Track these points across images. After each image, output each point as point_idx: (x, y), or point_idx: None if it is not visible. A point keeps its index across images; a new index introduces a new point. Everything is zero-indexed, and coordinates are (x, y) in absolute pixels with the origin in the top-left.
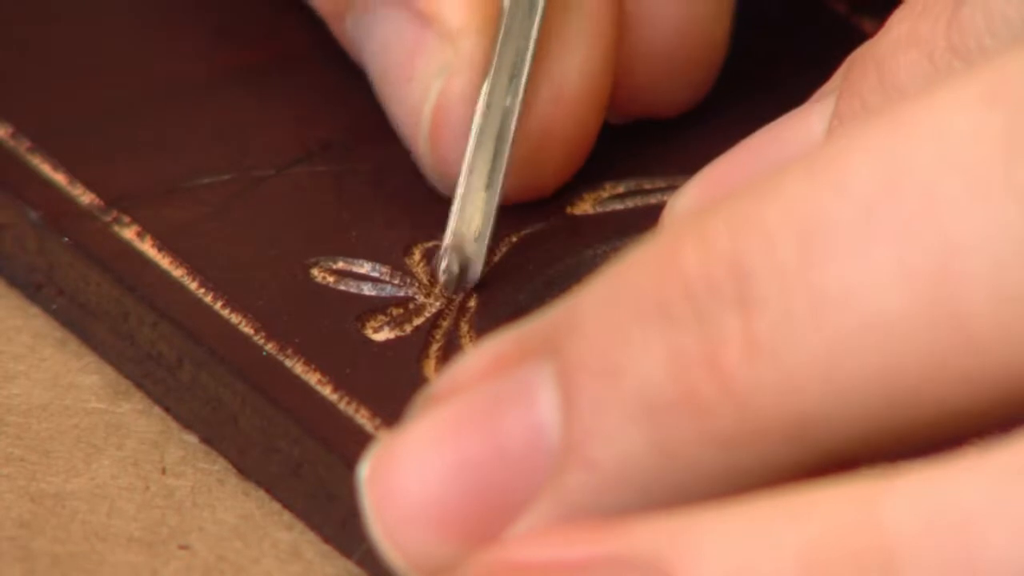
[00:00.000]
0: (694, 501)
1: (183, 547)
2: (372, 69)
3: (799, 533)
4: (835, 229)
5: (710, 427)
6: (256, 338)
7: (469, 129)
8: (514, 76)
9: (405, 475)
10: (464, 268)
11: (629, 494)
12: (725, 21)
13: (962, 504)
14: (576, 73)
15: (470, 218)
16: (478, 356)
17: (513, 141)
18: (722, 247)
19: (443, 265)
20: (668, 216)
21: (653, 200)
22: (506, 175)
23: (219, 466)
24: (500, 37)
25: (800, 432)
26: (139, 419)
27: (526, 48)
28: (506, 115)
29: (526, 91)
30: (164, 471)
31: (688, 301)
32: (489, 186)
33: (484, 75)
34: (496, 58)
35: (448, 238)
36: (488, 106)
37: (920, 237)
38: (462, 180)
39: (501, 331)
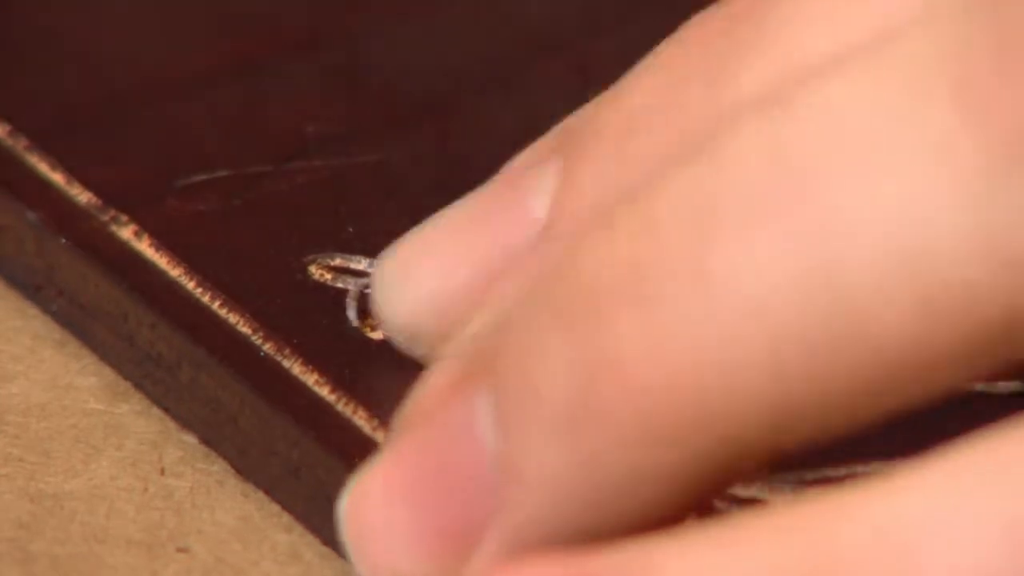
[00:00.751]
0: (640, 510)
1: (182, 550)
2: None
3: (758, 560)
4: (719, 216)
5: (618, 430)
6: (254, 338)
7: None
8: None
9: (375, 512)
10: None
11: (569, 511)
12: None
13: (905, 518)
14: None
15: None
16: (437, 376)
17: None
18: (618, 249)
19: None
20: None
21: None
22: None
23: (218, 467)
24: None
25: (706, 425)
26: (138, 420)
27: None
28: None
29: None
30: (163, 472)
31: (588, 307)
32: None
33: None
34: None
35: None
36: None
37: (800, 215)
38: None
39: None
